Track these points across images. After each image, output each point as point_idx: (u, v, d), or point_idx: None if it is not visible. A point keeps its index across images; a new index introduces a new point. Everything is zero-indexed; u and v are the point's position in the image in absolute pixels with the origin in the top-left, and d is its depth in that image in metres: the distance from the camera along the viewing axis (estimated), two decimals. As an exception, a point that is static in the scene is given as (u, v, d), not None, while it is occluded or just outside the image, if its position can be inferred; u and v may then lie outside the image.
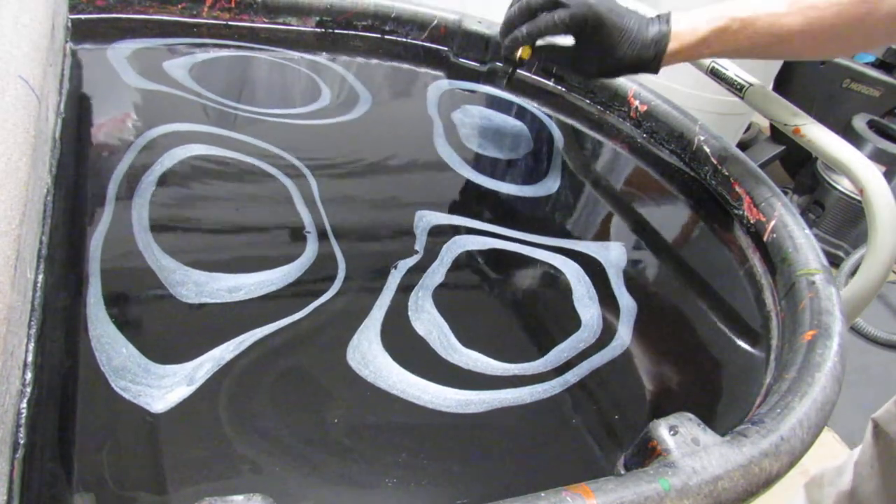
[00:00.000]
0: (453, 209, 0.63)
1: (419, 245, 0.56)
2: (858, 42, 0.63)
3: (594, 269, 0.60)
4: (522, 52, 0.68)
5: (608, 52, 0.64)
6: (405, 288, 0.51)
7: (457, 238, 0.59)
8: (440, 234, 0.58)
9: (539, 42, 0.68)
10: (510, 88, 0.86)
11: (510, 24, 0.66)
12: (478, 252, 0.58)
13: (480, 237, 0.60)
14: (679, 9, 0.65)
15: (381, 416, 0.42)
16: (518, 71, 0.73)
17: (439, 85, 0.85)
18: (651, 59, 0.64)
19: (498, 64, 0.90)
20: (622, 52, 0.64)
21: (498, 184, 0.69)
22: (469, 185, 0.68)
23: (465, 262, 0.57)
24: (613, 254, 0.63)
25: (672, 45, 0.63)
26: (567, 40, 0.67)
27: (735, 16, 0.61)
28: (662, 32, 0.63)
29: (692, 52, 0.64)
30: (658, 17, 0.64)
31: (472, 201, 0.66)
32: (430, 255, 0.56)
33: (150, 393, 0.39)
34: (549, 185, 0.71)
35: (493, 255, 0.58)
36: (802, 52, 0.64)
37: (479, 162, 0.72)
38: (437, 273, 0.54)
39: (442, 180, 0.68)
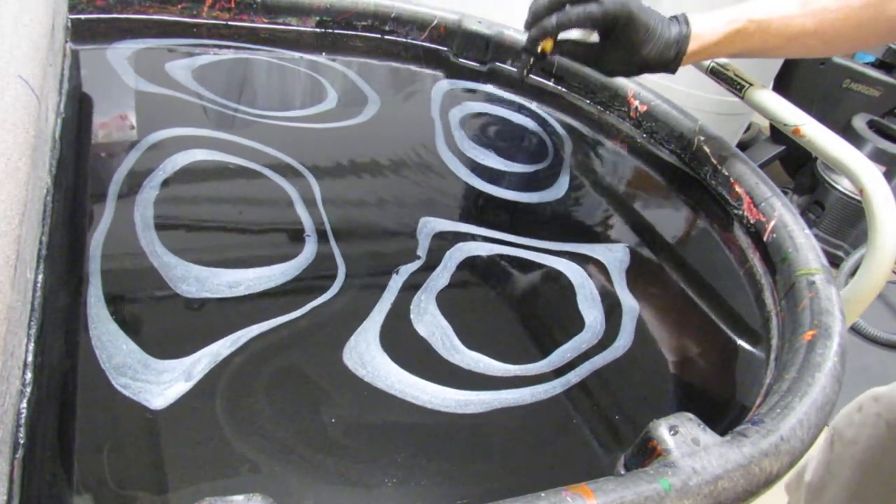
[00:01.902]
0: (457, 215, 0.63)
1: (421, 250, 0.56)
2: (866, 42, 0.65)
3: (597, 271, 0.60)
4: (545, 45, 0.67)
5: (633, 50, 0.64)
6: (407, 291, 0.51)
7: (460, 244, 0.58)
8: (443, 240, 0.58)
9: (561, 36, 0.67)
10: (527, 78, 0.85)
11: (538, 15, 0.65)
12: (481, 257, 0.58)
13: (484, 243, 0.60)
14: (678, 9, 0.65)
15: (380, 416, 0.42)
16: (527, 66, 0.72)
17: (442, 86, 0.85)
18: (672, 59, 0.64)
19: (498, 64, 0.90)
20: (646, 51, 0.64)
21: (502, 190, 0.69)
22: (473, 191, 0.68)
23: (468, 266, 0.57)
24: (616, 255, 0.63)
25: (691, 46, 0.64)
26: (591, 36, 0.67)
27: (752, 17, 0.62)
28: (683, 33, 0.64)
29: (709, 53, 0.65)
30: (675, 17, 0.65)
31: (476, 207, 0.66)
32: (433, 260, 0.56)
33: (150, 389, 0.39)
34: (556, 191, 0.71)
35: (497, 260, 0.58)
36: (812, 51, 0.65)
37: (483, 167, 0.72)
38: (440, 277, 0.54)
39: (446, 186, 0.68)
